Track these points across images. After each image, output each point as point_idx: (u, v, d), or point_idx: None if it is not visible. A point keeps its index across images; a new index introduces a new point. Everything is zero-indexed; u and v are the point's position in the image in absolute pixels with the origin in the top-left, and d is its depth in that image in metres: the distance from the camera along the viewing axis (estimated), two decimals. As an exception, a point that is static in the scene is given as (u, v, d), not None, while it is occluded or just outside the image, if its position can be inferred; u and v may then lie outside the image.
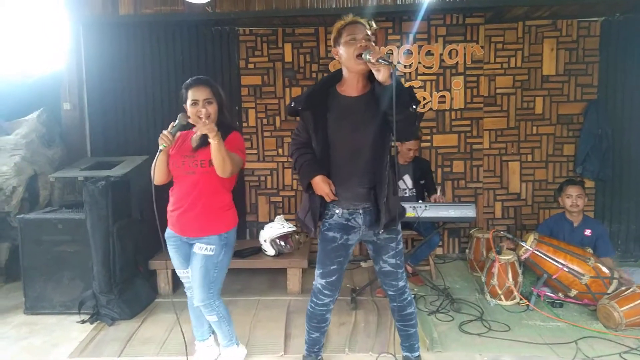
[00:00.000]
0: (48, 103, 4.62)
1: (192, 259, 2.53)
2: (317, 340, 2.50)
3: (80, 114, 4.69)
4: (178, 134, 2.43)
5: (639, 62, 4.66)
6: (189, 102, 2.44)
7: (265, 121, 4.87)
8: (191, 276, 2.56)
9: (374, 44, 2.16)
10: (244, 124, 4.91)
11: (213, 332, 2.80)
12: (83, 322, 3.40)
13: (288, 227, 4.00)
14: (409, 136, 2.18)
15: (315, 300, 2.41)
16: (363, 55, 2.04)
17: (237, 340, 2.78)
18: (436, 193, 4.06)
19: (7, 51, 4.89)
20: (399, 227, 2.39)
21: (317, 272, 2.38)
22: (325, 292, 2.37)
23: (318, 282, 2.38)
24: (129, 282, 3.60)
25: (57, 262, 3.53)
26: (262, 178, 4.98)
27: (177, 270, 2.65)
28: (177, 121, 2.40)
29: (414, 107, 2.06)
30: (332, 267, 2.34)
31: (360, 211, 2.28)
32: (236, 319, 3.41)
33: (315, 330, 2.48)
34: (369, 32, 2.16)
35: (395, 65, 1.99)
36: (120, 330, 3.30)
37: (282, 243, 4.01)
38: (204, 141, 2.41)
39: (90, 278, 3.48)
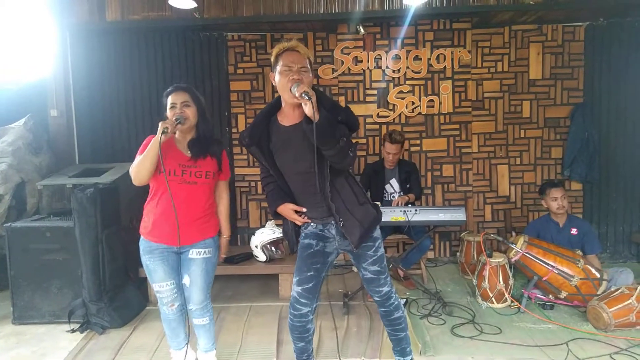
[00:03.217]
0: (35, 110, 4.56)
1: (190, 265, 2.54)
2: (304, 348, 2.47)
3: (68, 120, 4.65)
4: (178, 126, 2.42)
5: (623, 66, 4.75)
6: (168, 106, 2.49)
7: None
8: (188, 282, 2.56)
9: (309, 75, 2.14)
10: (234, 130, 4.91)
11: (188, 339, 2.77)
12: (73, 331, 3.36)
13: (279, 233, 3.98)
14: (344, 167, 2.20)
15: (292, 311, 2.35)
16: (291, 89, 2.03)
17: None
18: (419, 194, 4.06)
19: (-7, 58, 4.85)
20: (377, 232, 2.37)
21: (294, 280, 2.36)
22: (302, 300, 2.31)
23: (294, 290, 2.34)
24: (119, 290, 3.56)
25: (46, 270, 3.48)
26: (253, 184, 4.97)
27: (157, 284, 2.54)
28: (178, 116, 2.41)
29: (344, 139, 2.04)
30: (308, 274, 2.31)
31: (333, 222, 2.30)
32: (228, 325, 3.42)
33: (299, 341, 2.44)
34: (306, 63, 2.14)
35: (310, 100, 1.92)
36: (110, 338, 3.26)
37: (274, 249, 3.99)
38: (201, 151, 2.48)
39: (79, 286, 3.43)
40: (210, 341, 2.74)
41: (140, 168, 2.38)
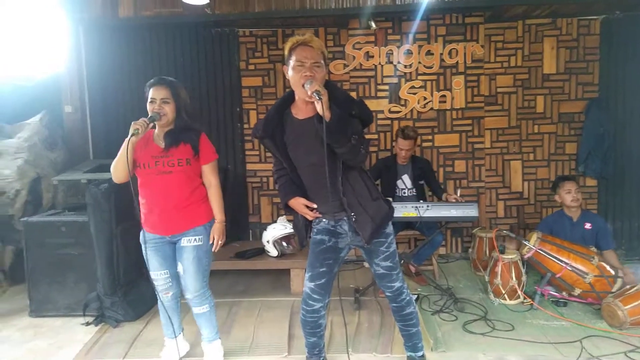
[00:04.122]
0: (50, 106, 4.62)
1: (182, 253, 2.60)
2: (316, 343, 2.49)
3: (82, 116, 4.71)
4: (151, 125, 2.48)
5: (639, 60, 4.66)
6: (149, 100, 2.55)
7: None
8: (182, 270, 2.62)
9: (323, 70, 2.14)
10: (245, 125, 4.92)
11: (182, 329, 2.88)
12: (88, 324, 3.41)
13: (290, 228, 4.00)
14: (356, 164, 2.24)
15: (305, 307, 2.37)
16: (304, 85, 2.04)
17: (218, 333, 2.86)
18: (445, 192, 4.04)
19: (8, 54, 4.90)
20: (389, 228, 2.37)
21: (306, 275, 2.37)
22: (315, 296, 2.33)
23: (307, 285, 2.35)
24: (133, 284, 3.60)
25: (61, 264, 3.53)
26: (264, 179, 4.99)
27: (153, 273, 2.65)
28: (152, 114, 2.48)
29: (356, 137, 2.04)
30: (321, 270, 2.32)
31: (345, 218, 2.30)
32: (239, 320, 3.45)
33: (311, 336, 2.46)
34: (320, 58, 2.12)
35: (321, 99, 1.95)
36: (124, 332, 3.31)
37: (285, 244, 4.01)
38: (174, 140, 2.52)
39: (94, 280, 3.48)
40: (213, 330, 2.78)
41: (115, 168, 2.50)
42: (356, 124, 2.11)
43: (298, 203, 2.30)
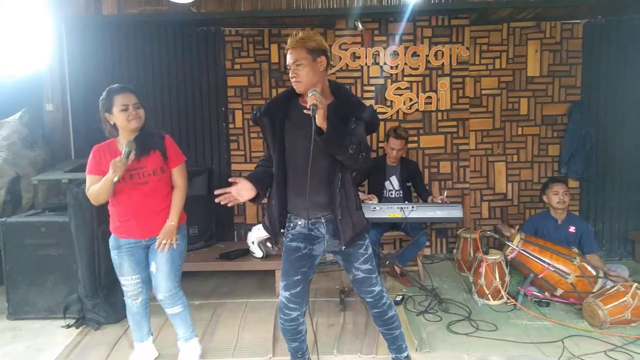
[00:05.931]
0: (30, 104, 4.54)
1: (156, 253, 2.61)
2: (298, 347, 2.46)
3: (64, 115, 4.62)
4: (131, 158, 2.46)
5: (621, 64, 4.76)
6: (116, 108, 2.50)
7: (252, 122, 4.83)
8: (155, 269, 2.62)
9: (307, 66, 2.14)
10: (231, 125, 4.89)
11: (151, 334, 2.87)
12: (68, 326, 3.35)
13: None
14: (357, 169, 2.31)
15: (282, 316, 2.33)
16: (309, 91, 2.08)
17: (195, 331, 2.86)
18: (431, 195, 4.07)
19: (-12, 51, 4.81)
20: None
21: (281, 284, 2.32)
22: (291, 305, 2.28)
23: (282, 295, 2.30)
24: (115, 286, 3.51)
25: (41, 266, 3.46)
26: (250, 179, 4.95)
27: (124, 278, 2.64)
28: (126, 148, 2.43)
29: (354, 146, 2.06)
30: (296, 278, 2.27)
31: (323, 220, 2.27)
32: (224, 321, 3.42)
33: (292, 342, 2.42)
34: (302, 54, 2.12)
35: (314, 116, 1.99)
36: (106, 334, 3.26)
37: (270, 244, 3.98)
38: (143, 148, 2.51)
39: (75, 282, 3.42)
40: (188, 329, 2.78)
41: (97, 198, 2.49)
42: (361, 129, 2.14)
43: (242, 184, 2.23)
